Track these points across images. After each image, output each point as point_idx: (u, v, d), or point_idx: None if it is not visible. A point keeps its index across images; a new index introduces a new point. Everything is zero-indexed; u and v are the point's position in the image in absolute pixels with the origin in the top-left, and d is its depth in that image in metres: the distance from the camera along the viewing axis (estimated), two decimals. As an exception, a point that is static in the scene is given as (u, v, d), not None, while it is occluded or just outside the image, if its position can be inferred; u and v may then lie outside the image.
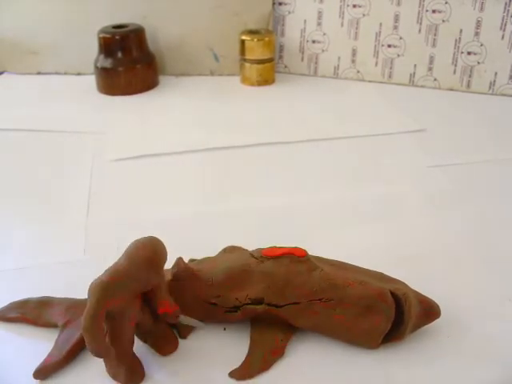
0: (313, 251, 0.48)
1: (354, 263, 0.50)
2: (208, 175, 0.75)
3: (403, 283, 0.48)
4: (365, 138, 0.85)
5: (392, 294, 0.45)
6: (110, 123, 0.91)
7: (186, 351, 0.46)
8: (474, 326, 0.48)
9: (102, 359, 0.42)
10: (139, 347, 0.45)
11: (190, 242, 0.60)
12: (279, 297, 0.45)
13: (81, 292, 0.50)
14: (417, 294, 0.46)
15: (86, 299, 0.49)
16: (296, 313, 0.45)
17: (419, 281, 0.49)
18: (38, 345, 0.46)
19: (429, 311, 0.46)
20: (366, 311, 0.44)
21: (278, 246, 0.48)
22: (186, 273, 0.47)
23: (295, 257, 0.46)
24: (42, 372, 0.43)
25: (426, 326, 0.47)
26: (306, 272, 0.45)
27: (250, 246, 0.53)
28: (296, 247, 0.47)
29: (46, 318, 0.48)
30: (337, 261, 0.50)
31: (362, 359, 0.45)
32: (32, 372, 0.43)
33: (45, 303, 0.49)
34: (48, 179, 0.74)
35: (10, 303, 0.50)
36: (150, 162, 0.79)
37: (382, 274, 0.49)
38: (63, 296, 0.50)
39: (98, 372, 0.44)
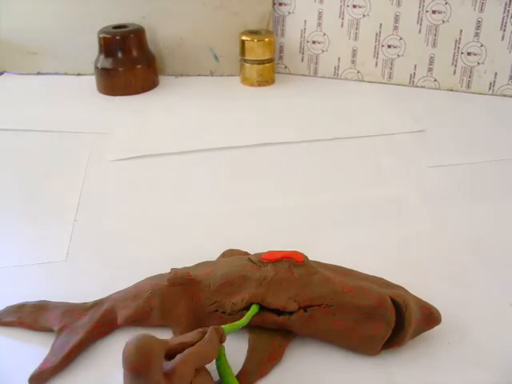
0: (312, 253, 0.48)
1: (353, 265, 0.50)
2: (208, 175, 0.75)
3: (403, 289, 0.47)
4: (365, 138, 0.85)
5: (392, 300, 0.44)
6: (109, 123, 0.91)
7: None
8: (474, 332, 0.47)
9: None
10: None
11: (189, 243, 0.60)
12: (278, 302, 0.44)
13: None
14: (417, 300, 0.46)
15: (82, 303, 0.49)
16: (295, 318, 0.44)
17: (419, 284, 0.49)
18: (34, 350, 0.45)
19: (429, 317, 0.45)
20: (365, 318, 0.44)
21: (275, 250, 0.47)
22: (182, 278, 0.46)
23: (294, 261, 0.46)
24: (38, 378, 0.42)
25: (427, 332, 0.46)
26: (306, 276, 0.45)
27: (250, 246, 0.53)
28: (294, 251, 0.47)
29: (42, 322, 0.47)
30: (336, 266, 0.49)
31: (362, 365, 0.44)
32: (27, 378, 0.42)
33: (41, 307, 0.48)
34: (47, 180, 0.74)
35: (6, 307, 0.49)
36: (150, 162, 0.78)
37: (382, 279, 0.48)
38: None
39: (95, 378, 0.43)
